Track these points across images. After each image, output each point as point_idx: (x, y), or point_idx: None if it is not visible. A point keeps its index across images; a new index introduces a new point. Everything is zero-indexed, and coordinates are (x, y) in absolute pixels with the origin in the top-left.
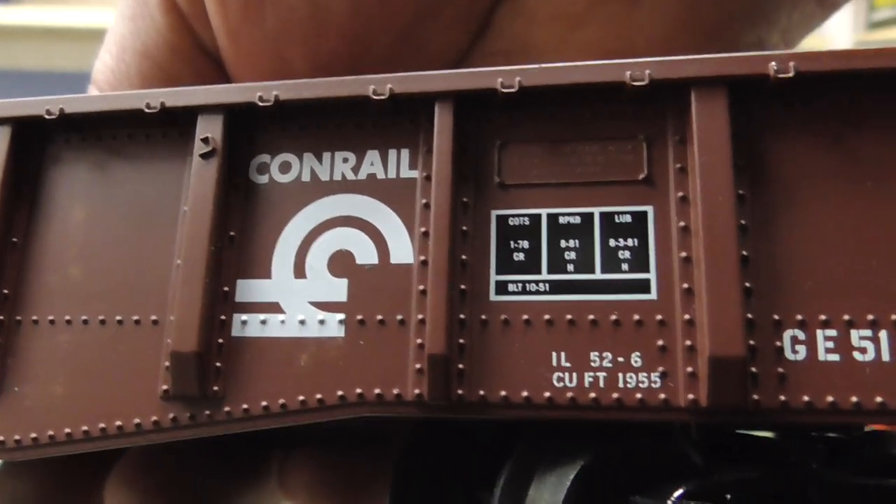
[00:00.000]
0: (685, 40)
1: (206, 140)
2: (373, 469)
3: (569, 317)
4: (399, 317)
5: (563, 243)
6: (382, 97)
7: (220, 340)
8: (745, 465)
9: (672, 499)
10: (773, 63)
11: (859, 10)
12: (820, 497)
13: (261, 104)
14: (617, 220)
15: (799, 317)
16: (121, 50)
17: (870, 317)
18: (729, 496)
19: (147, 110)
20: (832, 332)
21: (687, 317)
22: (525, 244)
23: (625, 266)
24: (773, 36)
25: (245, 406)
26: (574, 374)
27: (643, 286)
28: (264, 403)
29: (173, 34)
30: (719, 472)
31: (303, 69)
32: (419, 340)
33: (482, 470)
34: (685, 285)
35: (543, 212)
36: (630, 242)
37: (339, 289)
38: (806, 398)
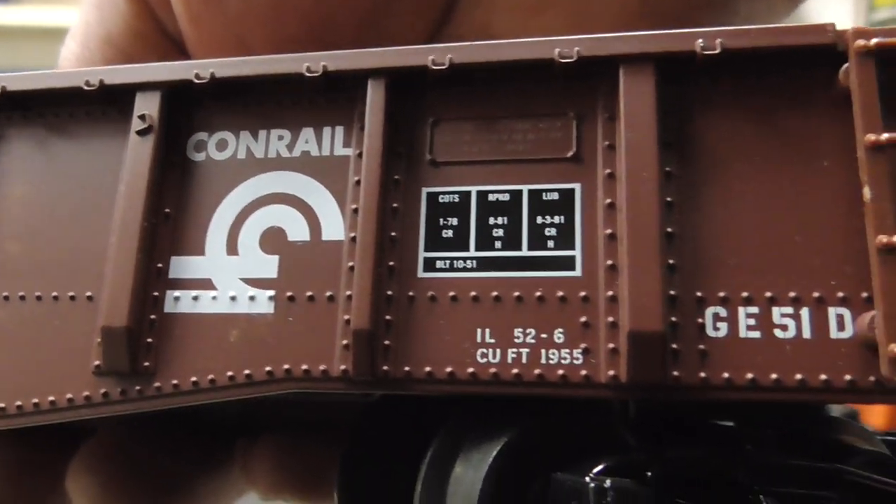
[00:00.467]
0: (643, 29)
1: (142, 117)
2: (331, 454)
3: (494, 293)
4: (328, 293)
5: (491, 220)
6: (316, 74)
7: (153, 317)
8: (680, 445)
9: (591, 473)
10: (701, 40)
11: (859, 9)
12: (748, 477)
13: (197, 81)
14: (545, 198)
15: (721, 294)
16: (85, 37)
17: (792, 294)
18: (650, 473)
19: (86, 88)
20: (754, 310)
21: (610, 293)
22: (454, 221)
23: (551, 243)
24: (735, 21)
25: (175, 381)
26: (497, 351)
27: (568, 263)
28: (194, 379)
29: (137, 20)
30: (650, 450)
31: (264, 53)
32: (346, 317)
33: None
34: (609, 262)
35: (473, 189)
36: (557, 220)
37: (269, 265)
38: (726, 375)
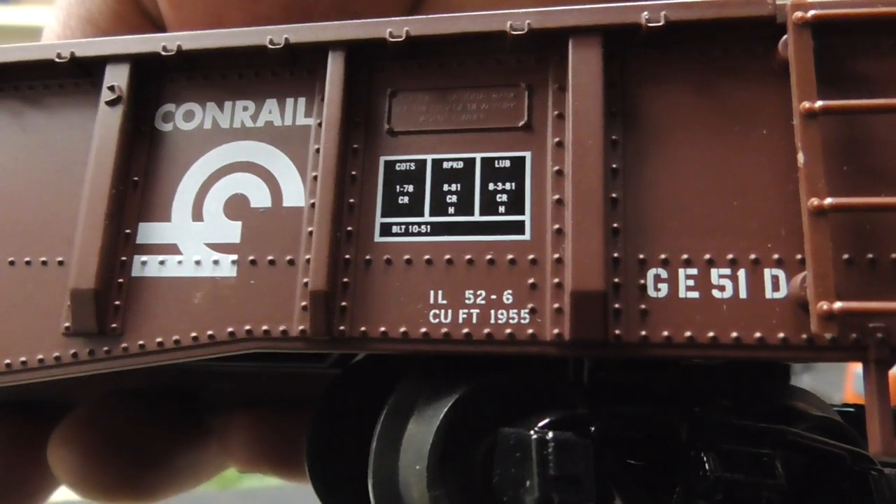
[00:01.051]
0: None
1: (111, 88)
2: (305, 427)
3: (447, 257)
4: (288, 257)
5: (445, 187)
6: (278, 47)
7: (121, 280)
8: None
9: (535, 427)
10: (646, 13)
11: None
12: (691, 435)
13: (164, 53)
14: (497, 165)
15: (662, 256)
16: (66, 16)
17: (729, 256)
18: (593, 428)
19: (58, 60)
20: (693, 271)
21: (556, 256)
22: (410, 188)
23: (502, 209)
24: None
25: (141, 342)
26: (449, 311)
27: (518, 227)
28: (159, 339)
29: (116, 1)
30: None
31: None
32: (306, 280)
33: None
34: (556, 226)
35: (428, 157)
36: (508, 186)
37: (233, 231)
38: (665, 333)
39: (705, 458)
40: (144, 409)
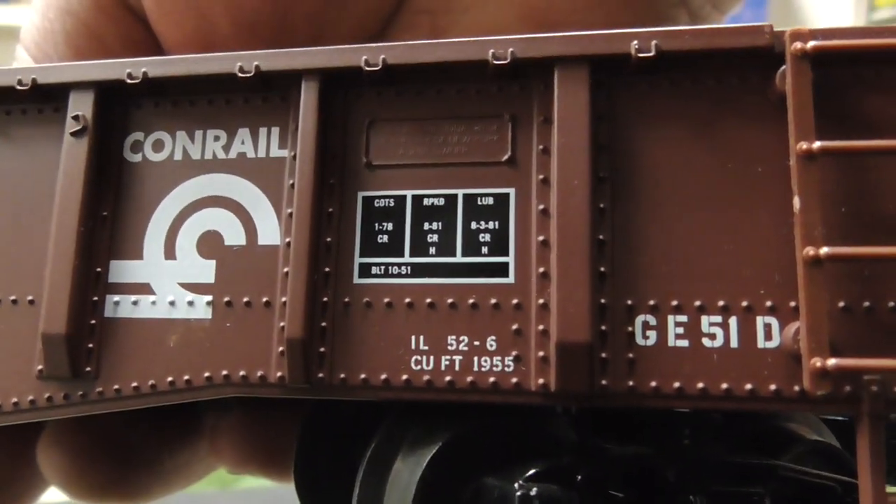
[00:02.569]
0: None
1: (76, 118)
2: (296, 428)
3: (429, 300)
4: (265, 299)
5: (426, 225)
6: (249, 74)
7: (93, 321)
8: (616, 440)
9: (520, 480)
10: (636, 42)
11: (859, 9)
12: (679, 476)
13: (129, 81)
14: (480, 203)
15: (651, 302)
16: (46, 7)
17: (720, 303)
18: (579, 476)
19: (19, 87)
20: (683, 318)
21: (542, 301)
22: (389, 226)
23: (485, 249)
24: None
25: (116, 386)
26: (431, 358)
27: (502, 269)
28: (135, 384)
29: None
30: (590, 450)
31: (226, 28)
32: (283, 323)
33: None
34: (542, 269)
35: (408, 193)
36: (491, 225)
37: (207, 270)
38: (654, 384)
39: (695, 502)
40: (134, 410)
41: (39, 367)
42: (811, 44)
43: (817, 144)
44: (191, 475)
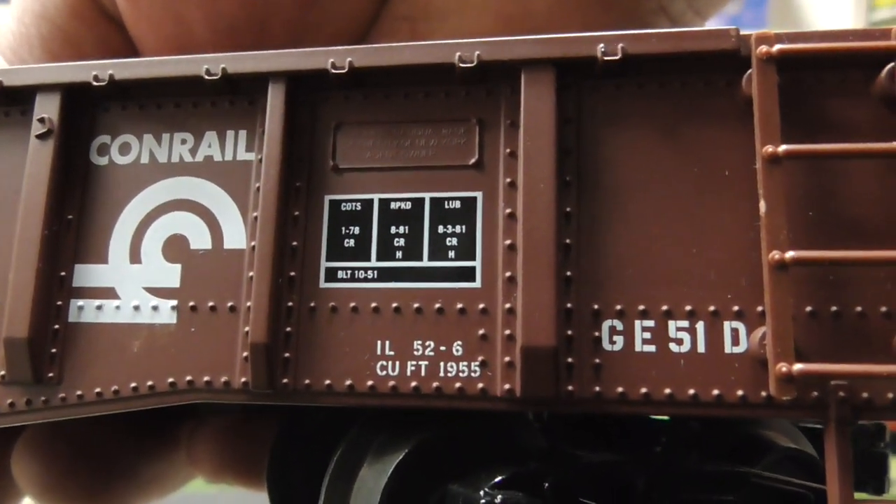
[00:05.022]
0: (581, 5)
1: (42, 120)
2: (272, 437)
3: (395, 305)
4: (230, 304)
5: (393, 229)
6: (215, 77)
7: (56, 326)
8: (587, 447)
9: (486, 487)
10: (602, 45)
11: (859, 10)
12: (647, 485)
13: (95, 84)
14: (447, 206)
15: (618, 307)
16: (21, 12)
17: (688, 307)
18: (546, 484)
19: None
20: (650, 323)
21: (508, 306)
22: (356, 230)
23: (452, 254)
24: (676, 4)
25: (79, 392)
26: (397, 363)
27: (468, 274)
28: (98, 390)
29: None
30: (558, 457)
31: (203, 33)
32: (247, 328)
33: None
34: (508, 274)
35: (375, 197)
36: (458, 229)
37: (172, 274)
38: (620, 389)
39: None
40: (110, 419)
41: (2, 372)
42: (777, 47)
43: (783, 148)
44: (168, 484)
